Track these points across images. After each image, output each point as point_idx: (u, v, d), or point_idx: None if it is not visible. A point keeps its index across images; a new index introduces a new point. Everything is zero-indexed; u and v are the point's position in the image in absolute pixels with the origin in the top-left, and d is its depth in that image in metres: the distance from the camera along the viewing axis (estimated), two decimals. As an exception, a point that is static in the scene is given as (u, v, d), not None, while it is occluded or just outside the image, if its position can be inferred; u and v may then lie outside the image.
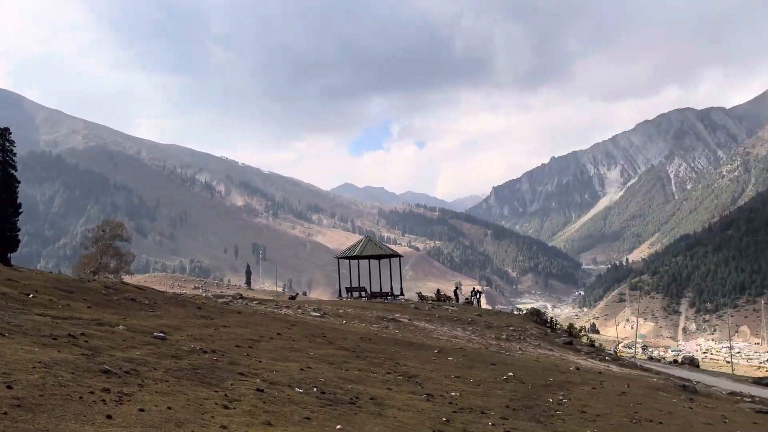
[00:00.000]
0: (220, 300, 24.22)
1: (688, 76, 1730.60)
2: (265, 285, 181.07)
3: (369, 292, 38.44)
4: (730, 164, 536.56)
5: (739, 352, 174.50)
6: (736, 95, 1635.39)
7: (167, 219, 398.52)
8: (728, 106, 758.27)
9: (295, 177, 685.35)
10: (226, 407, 7.17)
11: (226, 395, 7.72)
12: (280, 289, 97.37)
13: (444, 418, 8.95)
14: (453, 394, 11.09)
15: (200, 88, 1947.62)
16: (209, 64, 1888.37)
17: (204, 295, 31.54)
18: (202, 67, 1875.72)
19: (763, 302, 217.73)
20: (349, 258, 39.27)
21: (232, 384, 8.41)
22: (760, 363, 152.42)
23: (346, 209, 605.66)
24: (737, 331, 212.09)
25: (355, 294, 38.87)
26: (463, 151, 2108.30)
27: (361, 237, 68.36)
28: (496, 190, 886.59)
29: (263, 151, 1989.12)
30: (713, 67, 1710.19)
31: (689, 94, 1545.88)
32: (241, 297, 28.08)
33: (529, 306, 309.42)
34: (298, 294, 52.31)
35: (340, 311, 25.50)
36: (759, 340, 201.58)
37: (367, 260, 39.30)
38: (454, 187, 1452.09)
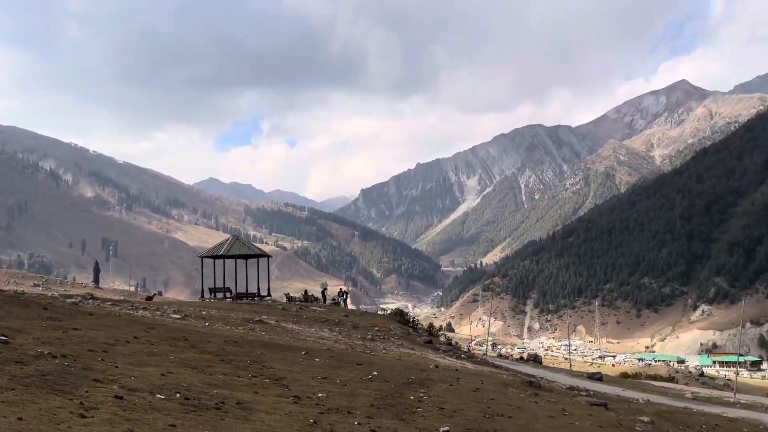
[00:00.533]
0: (68, 300, 22.25)
1: (541, 94, 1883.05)
2: (116, 284, 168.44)
3: (234, 292, 37.37)
4: (573, 178, 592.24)
5: (575, 350, 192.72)
6: (580, 115, 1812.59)
7: (4, 208, 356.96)
8: (573, 124, 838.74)
9: (153, 169, 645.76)
10: (83, 416, 6.68)
11: (81, 403, 7.20)
12: (132, 289, 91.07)
13: (311, 420, 9.01)
14: (320, 395, 11.18)
15: (49, 67, 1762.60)
16: (62, 42, 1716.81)
17: (49, 294, 28.76)
18: (53, 44, 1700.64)
19: (596, 304, 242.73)
20: (215, 257, 37.89)
21: (87, 391, 7.85)
22: (593, 360, 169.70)
23: (210, 205, 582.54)
24: (575, 330, 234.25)
25: (220, 295, 37.55)
26: (335, 153, 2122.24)
27: (226, 235, 66.05)
28: (365, 192, 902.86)
29: (119, 139, 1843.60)
30: (562, 88, 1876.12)
31: (541, 111, 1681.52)
32: (92, 297, 26.01)
33: (391, 306, 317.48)
34: (155, 294, 49.33)
35: (203, 313, 24.57)
36: (592, 339, 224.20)
37: (233, 260, 38.13)
38: (324, 187, 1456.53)
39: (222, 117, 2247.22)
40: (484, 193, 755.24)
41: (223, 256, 37.12)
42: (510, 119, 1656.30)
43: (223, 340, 16.87)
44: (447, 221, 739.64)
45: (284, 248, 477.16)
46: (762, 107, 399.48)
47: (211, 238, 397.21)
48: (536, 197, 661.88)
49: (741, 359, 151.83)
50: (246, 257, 38.18)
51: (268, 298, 38.13)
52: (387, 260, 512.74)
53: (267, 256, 39.53)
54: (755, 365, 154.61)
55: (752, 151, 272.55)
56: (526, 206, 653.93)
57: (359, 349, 21.22)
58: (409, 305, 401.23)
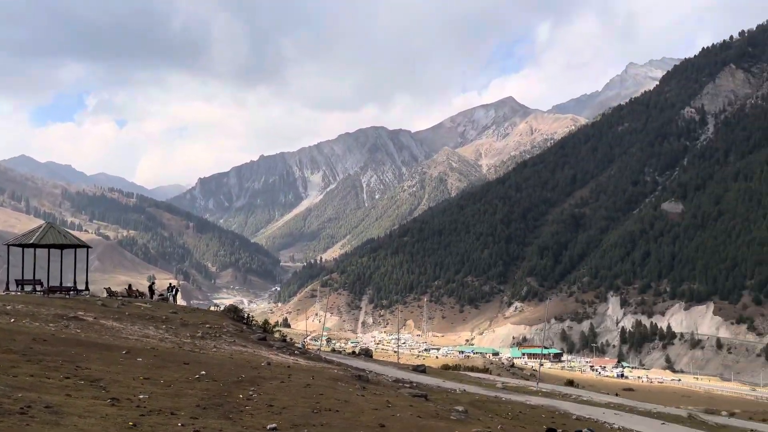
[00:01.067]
0: None
1: (385, 98, 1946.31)
2: None
3: (46, 285, 33.82)
4: (411, 180, 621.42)
5: (404, 343, 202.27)
6: (420, 121, 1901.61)
7: None
8: (413, 129, 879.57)
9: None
10: None
11: None
12: None
13: (131, 423, 8.63)
14: (141, 396, 10.70)
15: None
16: None
17: None
18: None
19: (425, 300, 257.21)
20: (24, 246, 33.98)
21: None
22: (419, 352, 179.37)
23: (20, 186, 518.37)
24: (404, 325, 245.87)
25: (28, 288, 33.80)
26: (171, 137, 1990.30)
27: (39, 221, 59.30)
28: (203, 181, 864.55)
29: None
30: (405, 93, 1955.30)
31: (385, 114, 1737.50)
32: None
33: (227, 301, 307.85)
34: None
35: (8, 308, 22.03)
36: (420, 332, 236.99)
37: (45, 249, 34.47)
38: (157, 174, 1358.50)
39: (40, 88, 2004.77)
40: (328, 189, 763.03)
41: (34, 245, 33.44)
42: (355, 119, 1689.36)
43: (31, 338, 15.36)
44: (289, 216, 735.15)
45: (107, 237, 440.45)
46: (573, 127, 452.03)
47: (20, 223, 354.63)
48: (377, 197, 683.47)
49: (545, 351, 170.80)
50: (61, 247, 34.74)
51: (86, 292, 35.06)
52: (224, 254, 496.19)
53: (87, 246, 36.32)
54: (557, 357, 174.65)
55: (563, 167, 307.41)
56: (366, 205, 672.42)
57: (187, 348, 20.46)
58: (246, 301, 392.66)
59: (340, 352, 64.34)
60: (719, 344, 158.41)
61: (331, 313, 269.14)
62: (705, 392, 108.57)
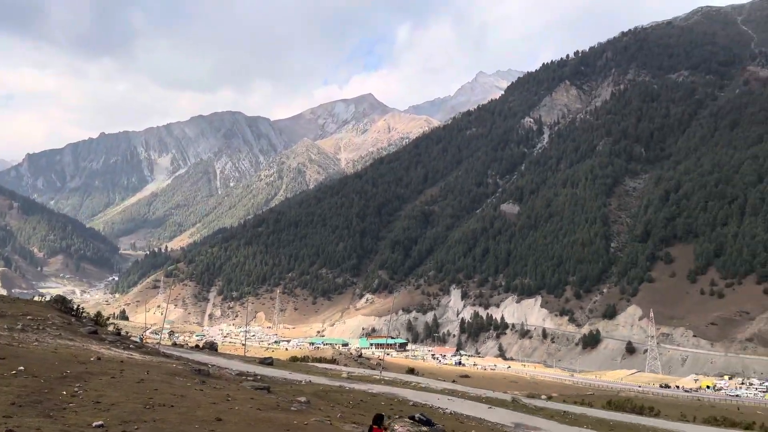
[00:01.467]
0: None
1: (244, 83, 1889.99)
2: None
3: None
4: (268, 170, 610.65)
5: (254, 336, 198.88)
6: (280, 110, 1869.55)
7: None
8: (273, 118, 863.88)
9: None
10: None
11: None
12: None
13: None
14: (-58, 397, 9.63)
15: None
16: None
17: None
18: None
19: (278, 291, 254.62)
20: None
21: None
22: (269, 345, 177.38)
23: None
24: (255, 317, 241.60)
25: None
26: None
27: None
28: (32, 158, 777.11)
29: None
30: (265, 80, 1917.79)
31: (243, 99, 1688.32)
32: None
33: (55, 291, 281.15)
34: None
35: None
36: (271, 325, 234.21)
37: None
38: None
39: None
40: (177, 174, 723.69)
41: None
42: (210, 102, 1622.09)
43: None
44: (132, 200, 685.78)
45: None
46: (427, 128, 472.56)
47: None
48: (231, 184, 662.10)
49: (392, 341, 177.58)
50: None
51: None
52: (54, 238, 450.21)
53: None
54: (402, 346, 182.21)
55: (417, 165, 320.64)
56: (220, 192, 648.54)
57: (4, 342, 18.53)
58: (78, 291, 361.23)
59: (182, 346, 61.87)
60: (545, 334, 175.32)
61: (176, 305, 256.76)
62: (530, 378, 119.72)
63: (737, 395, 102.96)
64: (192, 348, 52.06)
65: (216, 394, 15.03)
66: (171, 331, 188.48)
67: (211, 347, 46.98)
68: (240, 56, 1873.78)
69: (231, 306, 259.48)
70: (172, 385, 15.03)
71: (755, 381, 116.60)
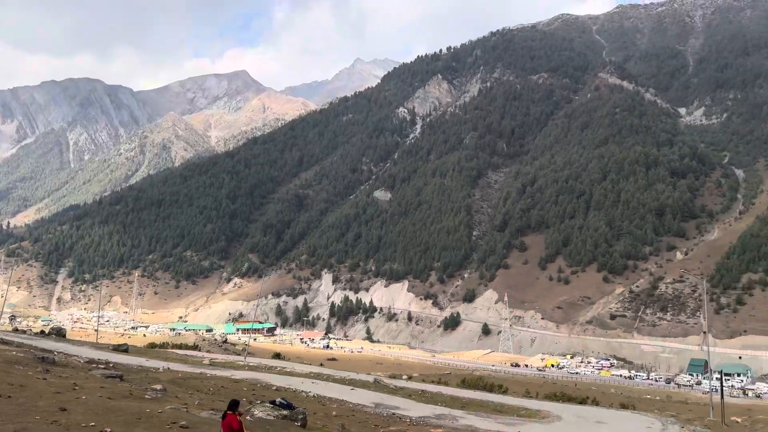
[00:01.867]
0: None
1: (104, 49, 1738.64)
2: None
3: None
4: (129, 144, 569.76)
5: (108, 321, 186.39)
6: (144, 80, 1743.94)
7: None
8: (136, 89, 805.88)
9: None
10: None
11: None
12: None
13: None
14: None
15: None
16: None
17: None
18: None
19: (137, 275, 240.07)
20: None
21: None
22: (125, 330, 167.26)
23: None
24: (110, 301, 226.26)
25: None
26: None
27: None
28: None
29: None
30: (128, 47, 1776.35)
31: (103, 66, 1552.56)
32: None
33: None
34: None
35: None
36: (128, 309, 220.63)
37: None
38: None
39: None
40: (23, 143, 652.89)
41: None
42: (65, 67, 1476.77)
43: None
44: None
45: None
46: (304, 111, 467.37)
47: None
48: (86, 158, 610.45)
49: (260, 326, 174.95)
50: None
51: None
52: None
53: None
54: (271, 331, 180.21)
55: (292, 148, 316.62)
56: (73, 166, 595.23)
57: None
58: None
59: (25, 332, 56.86)
60: (410, 317, 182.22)
61: (19, 287, 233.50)
62: (395, 359, 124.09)
63: (577, 373, 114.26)
64: (36, 334, 47.96)
65: (61, 383, 14.09)
66: (12, 315, 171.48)
67: (59, 333, 43.56)
68: (101, 19, 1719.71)
69: (83, 289, 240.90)
70: (10, 374, 13.85)
71: (593, 360, 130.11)
